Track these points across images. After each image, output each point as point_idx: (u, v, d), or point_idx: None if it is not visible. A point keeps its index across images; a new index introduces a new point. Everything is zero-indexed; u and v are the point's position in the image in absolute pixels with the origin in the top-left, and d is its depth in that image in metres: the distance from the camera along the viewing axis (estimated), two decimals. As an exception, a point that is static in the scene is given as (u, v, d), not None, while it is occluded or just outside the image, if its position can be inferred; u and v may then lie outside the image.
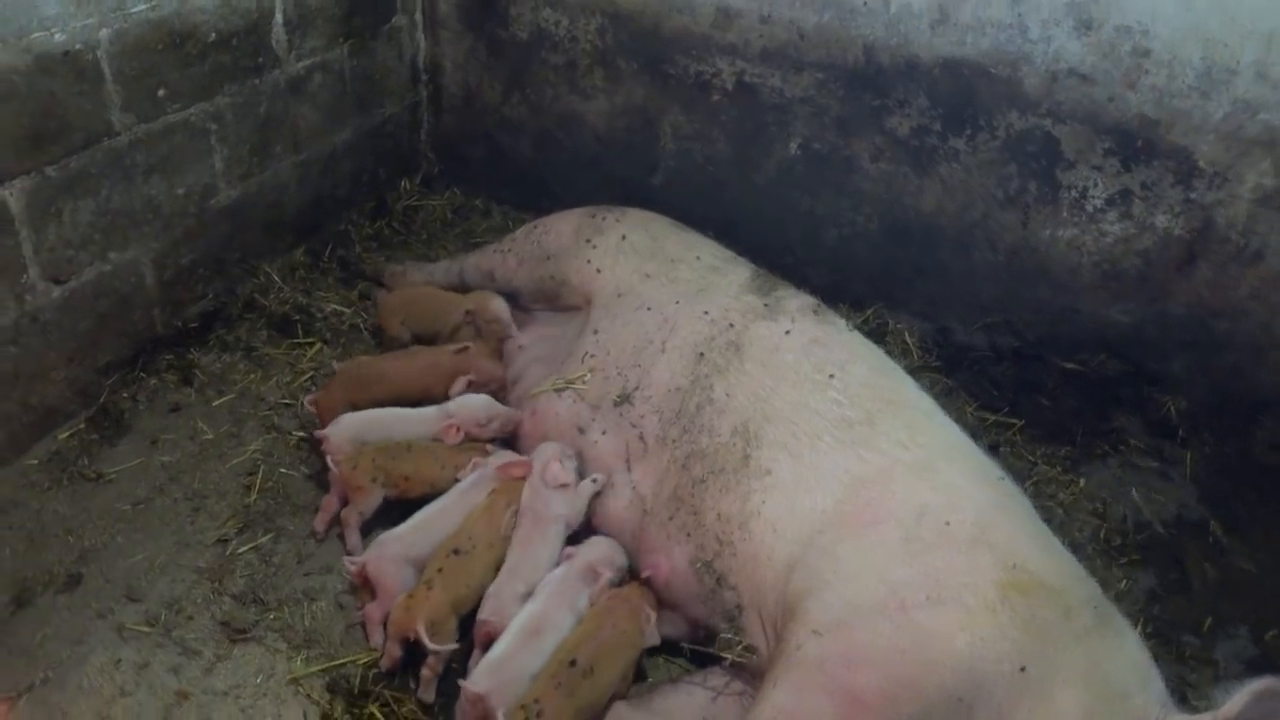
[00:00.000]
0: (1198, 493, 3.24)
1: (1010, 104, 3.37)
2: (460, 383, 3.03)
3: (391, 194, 4.29)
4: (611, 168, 4.17)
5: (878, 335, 3.64)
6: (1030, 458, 3.28)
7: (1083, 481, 3.21)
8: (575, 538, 2.63)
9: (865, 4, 3.40)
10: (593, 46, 3.95)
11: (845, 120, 3.63)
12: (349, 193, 4.08)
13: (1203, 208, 3.25)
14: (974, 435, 3.22)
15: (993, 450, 3.22)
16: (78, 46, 2.76)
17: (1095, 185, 3.37)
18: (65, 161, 2.81)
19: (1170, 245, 3.36)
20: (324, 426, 2.86)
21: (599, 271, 3.11)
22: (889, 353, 3.48)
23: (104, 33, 2.83)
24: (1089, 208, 3.41)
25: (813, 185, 3.80)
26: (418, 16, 4.16)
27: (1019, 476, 3.14)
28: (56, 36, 2.70)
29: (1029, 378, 3.58)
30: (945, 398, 3.41)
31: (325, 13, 3.62)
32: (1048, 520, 2.94)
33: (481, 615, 2.36)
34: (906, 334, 3.65)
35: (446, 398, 3.00)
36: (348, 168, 4.02)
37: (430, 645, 2.28)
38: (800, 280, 3.59)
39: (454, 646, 2.35)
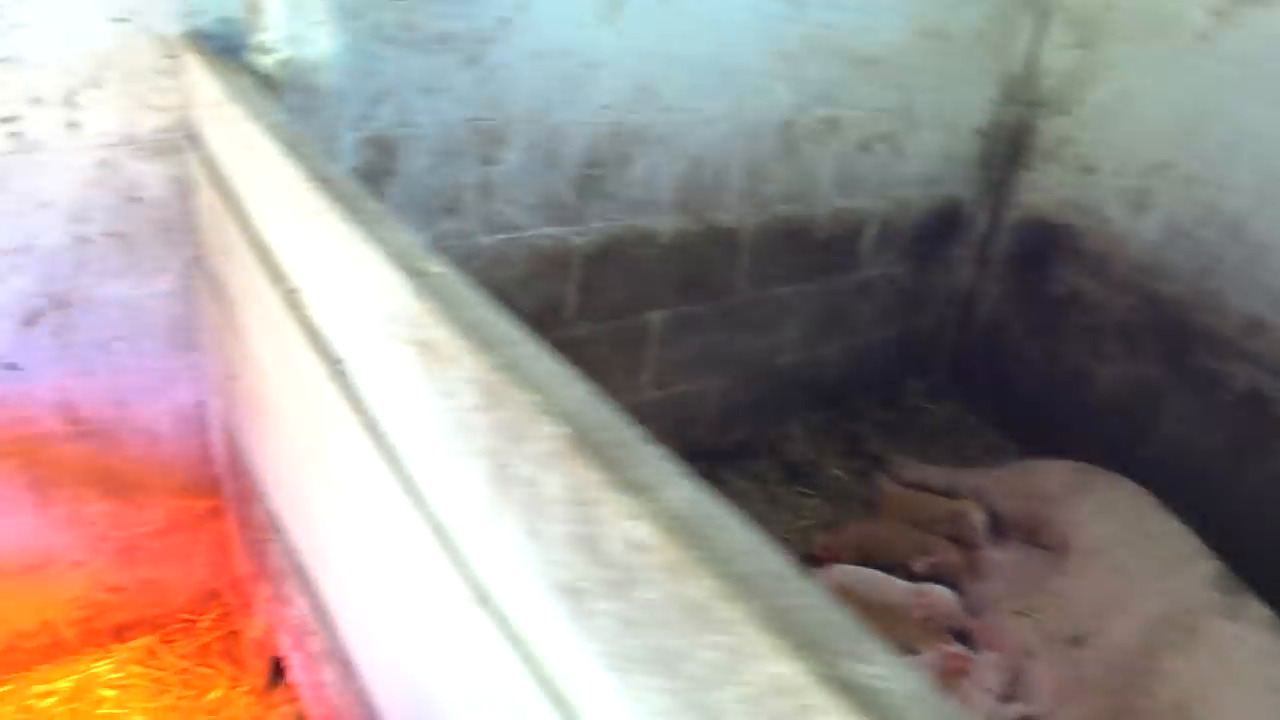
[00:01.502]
0: None
1: None
2: (923, 561, 3.49)
3: (902, 390, 4.81)
4: (1105, 430, 4.37)
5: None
6: None
7: None
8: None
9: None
10: (1120, 320, 4.25)
11: (1356, 455, 3.66)
12: (871, 380, 4.67)
13: None
14: None
15: None
16: (734, 227, 3.65)
17: None
18: (695, 305, 3.69)
19: None
20: (822, 565, 3.40)
21: (1080, 525, 3.43)
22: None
23: (752, 220, 3.70)
24: None
25: (1305, 506, 3.81)
26: (970, 252, 4.74)
27: None
28: (722, 217, 3.61)
29: None
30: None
31: (904, 235, 4.34)
32: None
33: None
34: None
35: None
36: (877, 359, 4.64)
37: None
38: (1261, 587, 3.65)
39: None
